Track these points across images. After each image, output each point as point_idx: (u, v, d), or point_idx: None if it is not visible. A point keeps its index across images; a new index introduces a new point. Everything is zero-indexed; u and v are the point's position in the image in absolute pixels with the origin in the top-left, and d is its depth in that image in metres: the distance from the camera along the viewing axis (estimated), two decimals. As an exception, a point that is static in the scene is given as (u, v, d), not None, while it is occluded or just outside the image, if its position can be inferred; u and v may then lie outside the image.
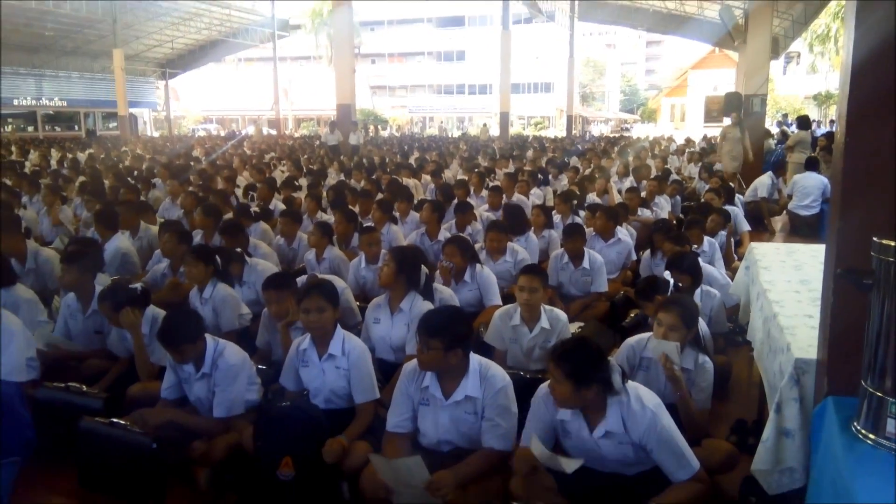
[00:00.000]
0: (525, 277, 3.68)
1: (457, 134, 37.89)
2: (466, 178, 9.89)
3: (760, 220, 9.03)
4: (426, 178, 11.49)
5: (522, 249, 5.54)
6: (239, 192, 9.04)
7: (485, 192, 9.17)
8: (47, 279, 5.21)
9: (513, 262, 5.37)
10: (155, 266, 5.27)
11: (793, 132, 12.51)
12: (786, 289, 3.16)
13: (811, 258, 3.81)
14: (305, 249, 5.92)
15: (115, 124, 37.48)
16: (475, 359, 2.77)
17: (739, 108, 16.03)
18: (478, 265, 4.75)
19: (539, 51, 48.55)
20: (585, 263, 5.16)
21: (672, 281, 3.94)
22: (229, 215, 6.35)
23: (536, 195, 9.13)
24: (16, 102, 33.02)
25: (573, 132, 37.08)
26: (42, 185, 8.23)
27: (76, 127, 37.35)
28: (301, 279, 4.51)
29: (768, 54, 15.92)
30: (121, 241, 5.67)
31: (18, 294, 4.17)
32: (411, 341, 3.64)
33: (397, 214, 6.89)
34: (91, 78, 36.49)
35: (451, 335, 2.62)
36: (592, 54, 64.41)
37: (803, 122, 11.16)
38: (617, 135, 35.79)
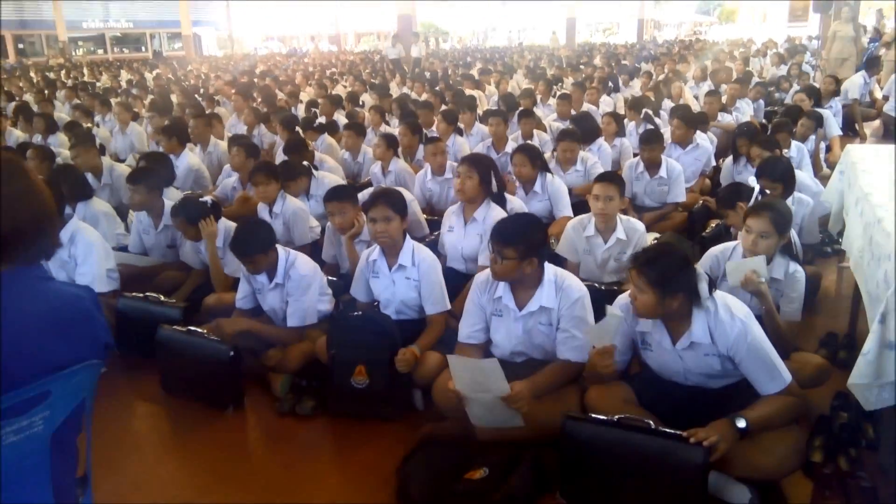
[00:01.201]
0: (600, 185, 3.49)
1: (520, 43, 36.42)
2: (532, 87, 9.50)
3: (851, 125, 8.36)
4: (490, 88, 11.15)
5: (594, 158, 5.31)
6: (301, 107, 9.01)
7: (552, 101, 8.85)
8: (122, 194, 5.33)
9: (583, 170, 5.16)
10: (225, 180, 5.32)
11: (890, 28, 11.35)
12: (891, 193, 2.88)
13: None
14: (371, 163, 5.85)
15: (180, 45, 37.91)
16: (550, 269, 2.66)
17: (830, 4, 14.71)
18: (548, 175, 4.57)
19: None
20: (662, 172, 4.90)
21: (758, 188, 3.68)
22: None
23: (606, 103, 8.71)
24: (84, 25, 33.61)
25: (644, 37, 35.09)
26: (113, 104, 8.35)
27: (143, 48, 37.89)
28: (366, 192, 4.47)
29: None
30: (190, 157, 5.72)
31: (96, 208, 4.29)
32: (484, 252, 3.55)
33: (462, 126, 6.69)
34: (156, -2, 36.62)
35: (526, 243, 2.51)
36: (665, -49, 60.02)
37: (906, 15, 10.07)
38: (692, 38, 33.65)
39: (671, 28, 53.55)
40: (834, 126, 6.72)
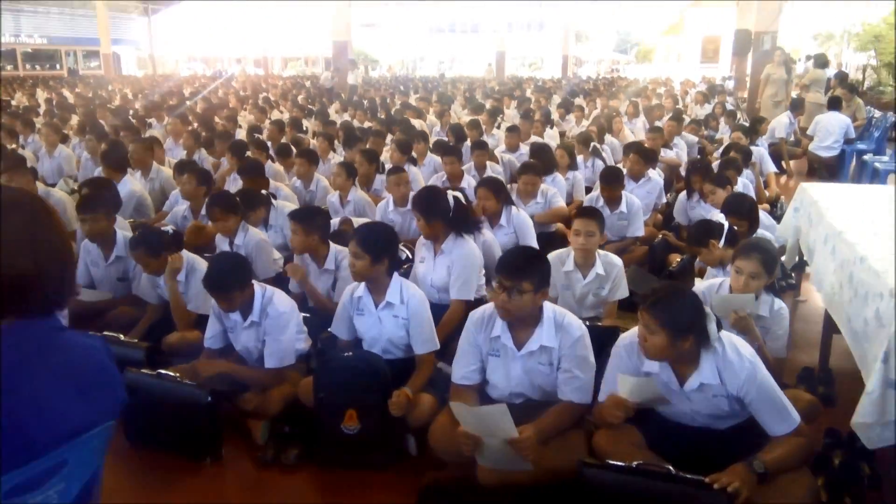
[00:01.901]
0: (582, 221, 3.49)
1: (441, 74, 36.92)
2: (476, 118, 9.59)
3: (778, 162, 8.83)
4: (431, 118, 11.17)
5: (553, 189, 5.35)
6: (241, 132, 8.72)
7: (496, 132, 8.94)
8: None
9: (544, 202, 5.19)
10: (175, 208, 5.04)
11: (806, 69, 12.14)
12: (867, 230, 3.00)
13: (878, 198, 3.64)
14: (324, 191, 5.72)
15: (96, 63, 36.31)
16: (548, 306, 2.60)
17: (748, 47, 15.64)
18: (513, 208, 4.55)
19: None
20: (623, 207, 4.98)
21: (727, 225, 3.78)
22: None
23: (549, 135, 8.87)
24: (-7, 39, 31.71)
25: (567, 73, 36.33)
26: (39, 125, 7.84)
27: (58, 66, 36.05)
28: (334, 223, 4.33)
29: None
30: (132, 183, 5.40)
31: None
32: (456, 284, 3.49)
33: (415, 156, 6.64)
34: (72, 14, 34.92)
35: (540, 275, 2.45)
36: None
37: (821, 60, 10.80)
38: (611, 75, 35.08)
39: (590, 65, 55.73)
40: (769, 163, 7.06)
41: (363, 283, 2.99)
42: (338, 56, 17.19)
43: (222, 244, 4.08)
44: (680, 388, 2.35)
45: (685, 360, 2.31)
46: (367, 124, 10.04)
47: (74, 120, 9.80)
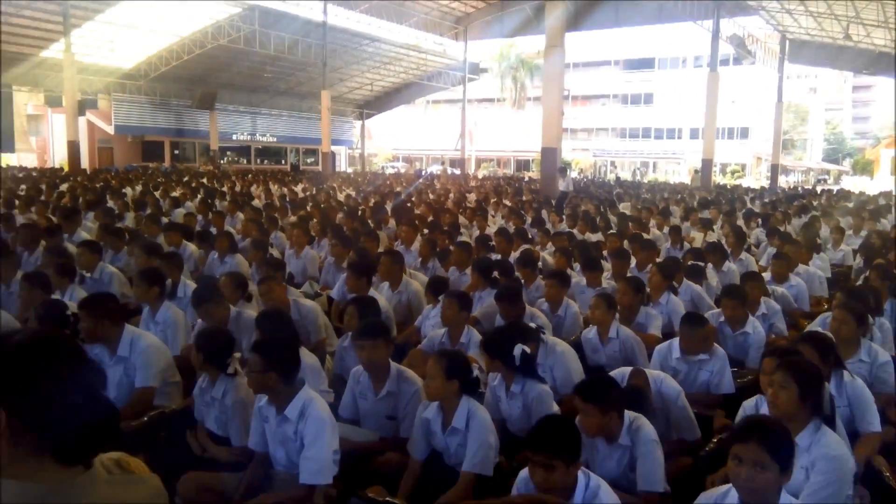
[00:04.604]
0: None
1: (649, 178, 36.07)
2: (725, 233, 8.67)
3: None
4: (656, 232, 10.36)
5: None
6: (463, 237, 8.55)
7: (744, 256, 7.95)
8: (311, 335, 4.79)
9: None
10: (430, 333, 4.63)
11: None
12: None
13: None
14: (573, 318, 5.18)
15: (312, 159, 40.30)
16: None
17: None
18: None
19: (736, 94, 45.47)
20: None
21: None
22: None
23: (817, 265, 7.66)
24: (234, 137, 36.38)
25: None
26: (287, 225, 8.18)
27: (282, 161, 40.51)
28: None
29: None
30: (379, 298, 5.15)
31: (304, 360, 3.69)
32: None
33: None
34: (298, 117, 39.43)
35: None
36: (793, 98, 59.32)
37: None
38: (820, 187, 31.88)
39: (795, 174, 52.01)
40: None
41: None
42: (546, 162, 17.14)
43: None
44: None
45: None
46: (588, 235, 9.51)
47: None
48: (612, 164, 52.69)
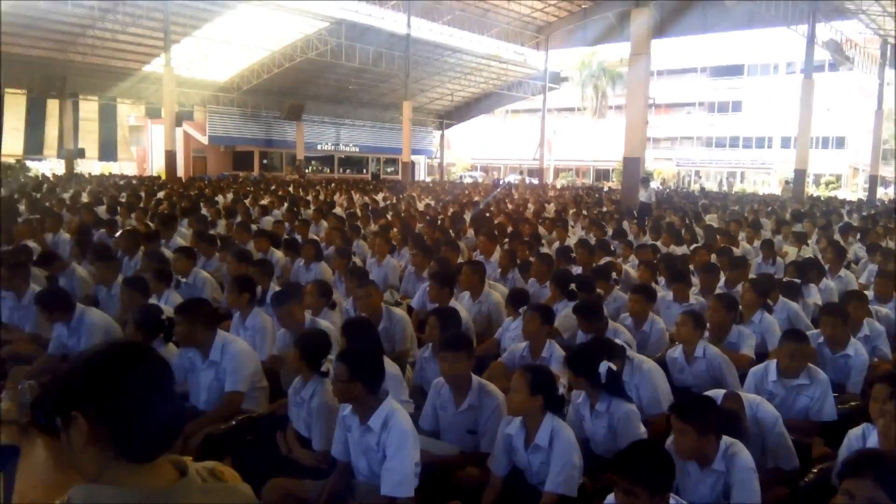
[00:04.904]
0: None
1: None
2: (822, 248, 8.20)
3: None
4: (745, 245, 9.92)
5: None
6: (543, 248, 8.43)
7: (843, 273, 7.49)
8: (397, 343, 4.84)
9: None
10: (511, 346, 4.58)
11: None
12: None
13: None
14: (658, 333, 5.02)
15: (392, 168, 40.95)
16: None
17: None
18: None
19: (832, 101, 43.08)
20: None
21: None
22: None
23: None
24: (319, 147, 37.46)
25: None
26: (369, 233, 8.31)
27: (363, 170, 41.40)
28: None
29: None
30: (460, 309, 5.14)
31: (387, 370, 3.72)
32: None
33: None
34: (380, 127, 40.24)
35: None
36: (894, 106, 55.54)
37: None
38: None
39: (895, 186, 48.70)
40: None
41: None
42: (629, 172, 16.75)
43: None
44: None
45: None
46: (673, 248, 9.20)
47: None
48: (697, 173, 50.99)
